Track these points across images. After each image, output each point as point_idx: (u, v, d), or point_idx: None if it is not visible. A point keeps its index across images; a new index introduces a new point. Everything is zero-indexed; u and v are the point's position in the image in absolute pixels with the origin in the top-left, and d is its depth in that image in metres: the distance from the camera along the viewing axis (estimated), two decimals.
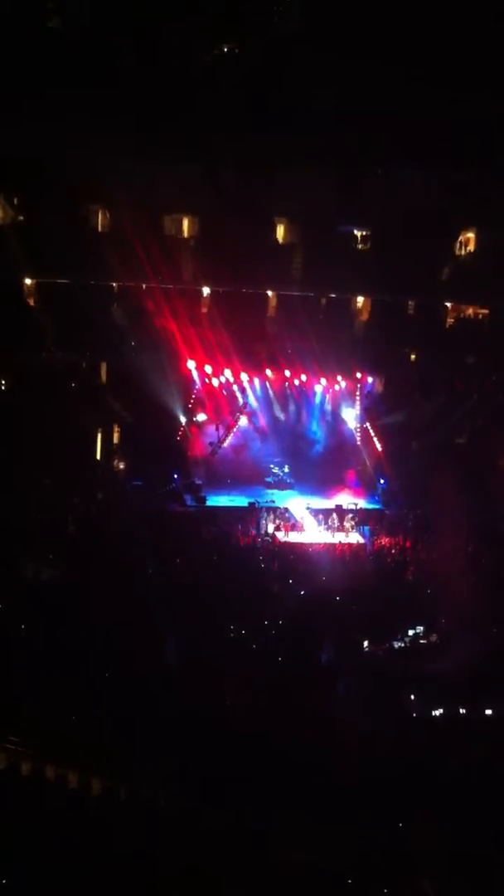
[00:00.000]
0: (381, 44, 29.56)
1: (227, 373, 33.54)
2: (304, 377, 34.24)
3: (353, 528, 30.53)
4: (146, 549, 24.26)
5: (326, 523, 30.70)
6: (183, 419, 33.61)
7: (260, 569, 25.65)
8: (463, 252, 34.94)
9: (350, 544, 29.27)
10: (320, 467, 34.51)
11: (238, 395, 34.30)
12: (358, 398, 34.76)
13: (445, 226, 33.64)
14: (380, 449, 34.38)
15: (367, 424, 34.75)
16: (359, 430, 34.98)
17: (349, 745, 14.17)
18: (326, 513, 31.08)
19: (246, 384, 34.12)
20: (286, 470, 34.18)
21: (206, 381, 33.73)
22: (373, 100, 29.75)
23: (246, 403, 34.38)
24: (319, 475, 34.02)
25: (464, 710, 16.79)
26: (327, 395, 35.08)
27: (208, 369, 33.29)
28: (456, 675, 17.43)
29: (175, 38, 30.32)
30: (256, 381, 34.37)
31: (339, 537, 29.83)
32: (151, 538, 25.72)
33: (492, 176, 30.59)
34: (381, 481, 33.78)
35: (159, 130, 29.44)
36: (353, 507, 31.65)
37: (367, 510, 32.05)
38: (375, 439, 34.47)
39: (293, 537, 29.60)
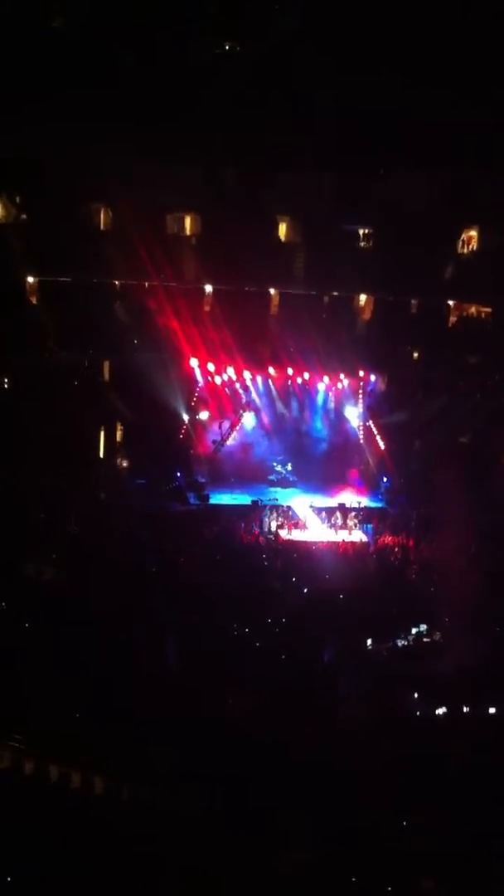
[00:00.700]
0: (383, 44, 29.55)
1: (230, 371, 33.51)
2: (306, 375, 34.18)
3: (355, 527, 30.50)
4: (149, 548, 24.29)
5: (329, 521, 30.68)
6: (186, 417, 33.59)
7: (263, 567, 25.65)
8: (465, 251, 34.90)
9: (353, 543, 29.25)
10: (323, 465, 34.47)
11: (241, 393, 34.28)
12: (361, 396, 34.72)
13: (448, 224, 33.62)
14: (383, 447, 34.34)
15: (370, 423, 34.69)
16: (361, 428, 34.93)
17: (351, 744, 14.17)
18: (329, 511, 31.04)
19: (249, 382, 34.09)
20: (289, 468, 34.16)
21: (209, 379, 33.71)
22: (374, 99, 29.74)
23: (249, 402, 34.35)
24: (322, 473, 33.98)
25: (466, 709, 16.78)
26: (330, 394, 35.03)
27: (211, 367, 33.27)
28: (459, 673, 17.43)
29: (176, 38, 30.29)
30: (259, 379, 34.34)
31: (342, 535, 29.81)
32: (154, 537, 25.76)
33: (494, 175, 30.53)
34: (384, 479, 33.74)
35: (161, 130, 29.45)
36: (355, 505, 31.61)
37: (369, 508, 32.00)
38: (378, 437, 34.42)
39: (296, 535, 29.59)
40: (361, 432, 34.91)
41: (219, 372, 33.50)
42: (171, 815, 12.05)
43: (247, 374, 33.80)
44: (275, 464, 34.28)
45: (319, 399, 35.19)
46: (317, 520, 30.61)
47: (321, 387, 34.78)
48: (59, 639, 17.60)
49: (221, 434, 34.25)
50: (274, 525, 30.15)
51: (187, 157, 30.30)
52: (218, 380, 33.81)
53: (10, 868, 10.50)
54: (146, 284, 32.55)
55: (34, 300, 32.64)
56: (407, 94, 29.70)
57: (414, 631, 20.59)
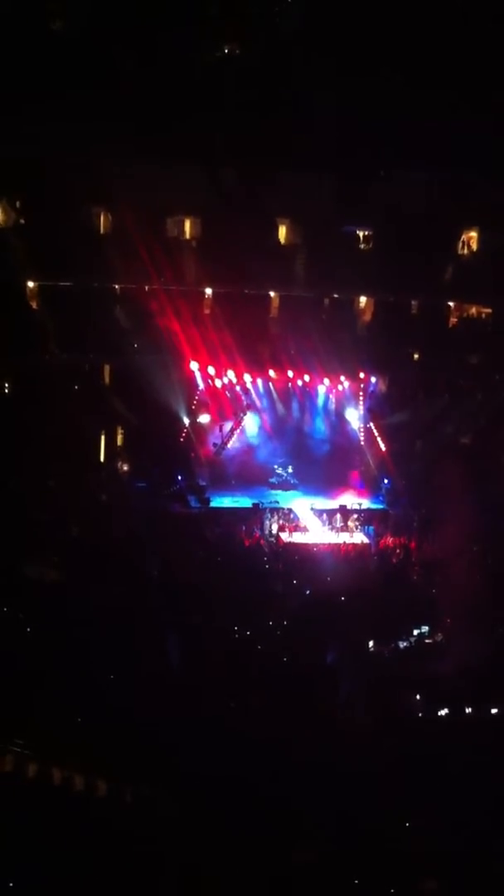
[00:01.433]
0: (383, 45, 29.57)
1: (231, 374, 33.52)
2: (307, 377, 34.20)
3: (357, 529, 30.53)
4: (150, 551, 24.29)
5: (330, 524, 30.69)
6: (186, 420, 33.59)
7: (264, 569, 25.66)
8: (465, 251, 34.91)
9: (354, 544, 29.28)
10: (324, 468, 34.45)
11: (241, 395, 34.29)
12: (361, 398, 34.74)
13: (448, 225, 33.62)
14: (384, 449, 34.34)
15: (371, 424, 34.70)
16: (362, 430, 34.95)
17: (353, 746, 14.17)
18: (331, 513, 31.05)
19: (249, 385, 34.10)
20: (290, 470, 34.15)
21: (210, 382, 33.72)
22: (374, 100, 29.75)
23: (249, 404, 34.35)
24: (323, 475, 33.97)
25: (469, 710, 16.77)
26: (331, 396, 35.05)
27: (211, 370, 33.27)
28: (461, 674, 17.42)
29: (176, 39, 30.31)
30: (260, 381, 34.35)
31: (344, 537, 29.82)
32: (155, 539, 25.76)
33: (494, 175, 30.53)
34: (385, 481, 33.75)
35: (161, 132, 29.45)
36: (357, 507, 31.62)
37: (371, 510, 32.02)
38: (379, 439, 34.42)
39: (297, 538, 29.61)
40: (362, 434, 34.92)
41: (219, 375, 33.50)
42: (173, 816, 12.05)
43: (247, 377, 33.81)
44: (276, 466, 34.27)
45: (320, 401, 35.20)
46: (318, 522, 30.62)
47: (322, 389, 34.79)
48: (61, 641, 17.60)
49: (222, 437, 34.25)
50: (275, 528, 30.18)
51: (187, 160, 30.32)
52: (218, 382, 33.81)
53: (13, 871, 10.49)
54: (146, 287, 32.56)
55: (35, 304, 32.65)
56: (407, 96, 29.71)
57: (416, 632, 20.60)
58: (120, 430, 34.15)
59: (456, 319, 35.68)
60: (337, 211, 32.63)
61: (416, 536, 29.20)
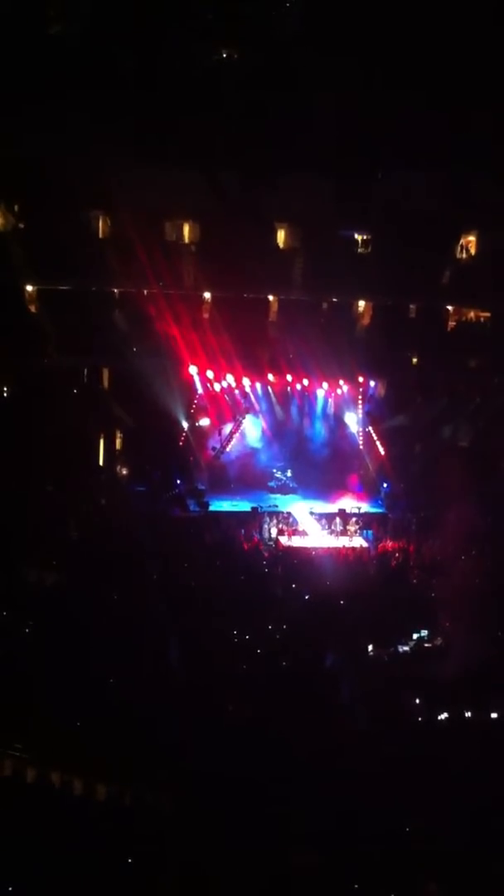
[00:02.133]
0: (382, 47, 29.61)
1: (230, 377, 33.52)
2: (305, 381, 34.21)
3: (356, 532, 30.51)
4: (149, 555, 24.27)
5: (330, 527, 30.68)
6: (185, 424, 33.58)
7: (263, 573, 25.63)
8: (464, 255, 34.95)
9: (353, 548, 29.25)
10: (323, 471, 34.44)
11: (240, 399, 34.28)
12: (360, 402, 34.74)
13: (446, 229, 33.66)
14: (382, 453, 34.35)
15: (370, 428, 34.71)
16: (361, 433, 34.95)
17: (353, 749, 14.14)
18: (330, 517, 31.04)
19: (248, 389, 34.09)
20: (289, 474, 34.15)
21: (209, 385, 33.71)
22: (373, 103, 29.80)
23: (248, 408, 34.35)
24: (322, 479, 33.97)
25: (469, 714, 16.74)
26: (329, 400, 35.05)
27: (210, 374, 33.27)
28: (461, 678, 17.40)
29: (175, 42, 30.37)
30: (258, 385, 34.34)
31: (343, 541, 29.81)
32: (154, 543, 25.74)
33: (493, 179, 30.58)
34: (385, 485, 33.75)
35: (160, 135, 29.50)
36: (356, 511, 31.60)
37: (370, 514, 32.00)
38: (378, 443, 34.44)
39: (296, 542, 29.59)
40: (361, 438, 34.91)
41: (218, 378, 33.50)
42: (173, 818, 12.03)
43: (246, 381, 33.81)
44: (275, 470, 34.28)
45: (319, 405, 35.20)
46: (317, 526, 30.60)
47: (320, 393, 34.79)
48: (60, 645, 17.57)
49: (221, 441, 34.25)
50: (274, 531, 30.16)
51: (187, 163, 30.35)
52: (217, 386, 33.80)
53: (13, 876, 10.46)
54: (145, 291, 32.56)
55: (34, 308, 32.66)
56: (407, 99, 29.76)
57: (415, 636, 20.56)
58: (119, 434, 34.15)
59: (454, 323, 35.72)
60: (336, 214, 32.65)
61: (415, 540, 29.17)
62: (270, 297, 34.40)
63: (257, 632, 20.26)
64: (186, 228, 33.81)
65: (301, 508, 31.55)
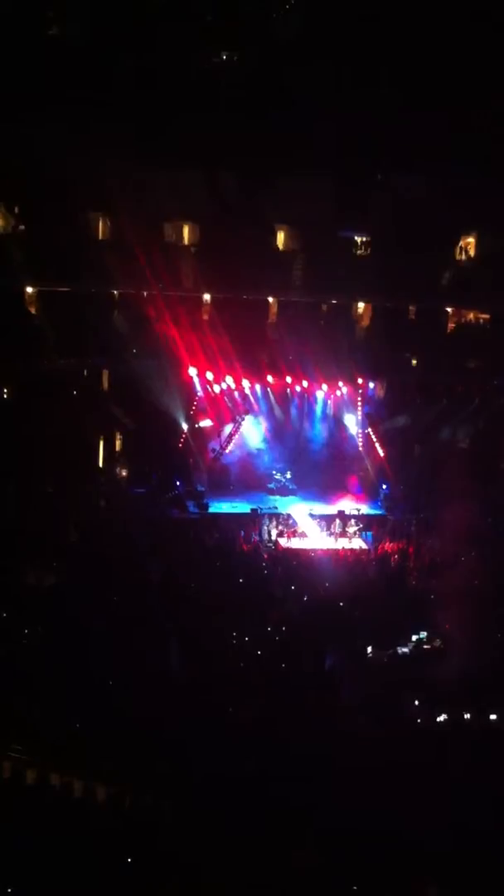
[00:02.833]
0: (381, 49, 29.66)
1: (229, 379, 33.53)
2: (305, 383, 34.23)
3: (355, 534, 30.52)
4: (148, 556, 24.28)
5: (329, 529, 30.69)
6: (185, 426, 33.59)
7: (263, 575, 25.64)
8: (463, 257, 34.99)
9: (353, 550, 29.28)
10: (322, 473, 34.47)
11: (240, 401, 34.30)
12: (359, 404, 34.75)
13: (446, 231, 33.70)
14: (382, 454, 34.37)
15: (369, 430, 34.73)
16: (361, 435, 34.96)
17: (352, 751, 14.15)
18: (329, 518, 31.06)
19: (247, 390, 34.11)
20: (288, 476, 34.16)
21: (208, 387, 33.73)
22: (373, 105, 29.84)
23: (248, 410, 34.36)
24: (322, 481, 34.00)
25: (468, 716, 16.76)
26: (329, 401, 35.07)
27: (210, 376, 33.28)
28: (460, 680, 17.41)
29: (175, 44, 30.40)
30: (258, 387, 34.36)
31: (342, 543, 29.83)
32: (154, 545, 25.76)
33: (492, 181, 30.61)
34: (384, 486, 33.77)
35: (159, 137, 29.53)
36: (355, 512, 31.62)
37: (369, 516, 32.01)
38: (377, 445, 34.45)
39: (296, 543, 29.61)
40: (360, 439, 34.92)
41: (217, 380, 33.51)
42: (172, 820, 12.04)
43: (246, 383, 33.83)
44: (274, 472, 34.29)
45: (318, 407, 35.21)
46: (316, 527, 30.61)
47: (320, 394, 34.81)
48: (59, 647, 17.59)
49: (220, 442, 34.26)
50: (274, 533, 30.17)
51: (186, 165, 30.39)
52: (217, 388, 33.82)
53: (12, 878, 10.47)
54: (145, 293, 32.59)
55: (34, 309, 32.69)
56: (406, 101, 29.81)
57: (415, 638, 20.57)
58: (118, 436, 34.16)
59: (454, 325, 35.75)
60: (335, 216, 32.69)
61: (414, 541, 29.19)
62: (270, 299, 34.45)
63: (257, 633, 20.27)
64: (186, 230, 33.85)
65: (300, 510, 31.57)
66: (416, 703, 17.01)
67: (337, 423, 35.37)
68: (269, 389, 34.65)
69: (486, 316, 35.37)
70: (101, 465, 33.67)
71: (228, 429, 34.31)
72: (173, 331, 32.35)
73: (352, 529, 30.62)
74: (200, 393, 33.69)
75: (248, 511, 31.49)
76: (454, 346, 35.11)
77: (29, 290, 32.49)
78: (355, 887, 11.01)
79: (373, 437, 34.62)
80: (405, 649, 20.24)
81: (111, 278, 32.01)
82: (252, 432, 34.80)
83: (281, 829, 11.48)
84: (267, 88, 30.52)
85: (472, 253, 34.95)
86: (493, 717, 16.71)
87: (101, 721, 14.58)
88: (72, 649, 17.14)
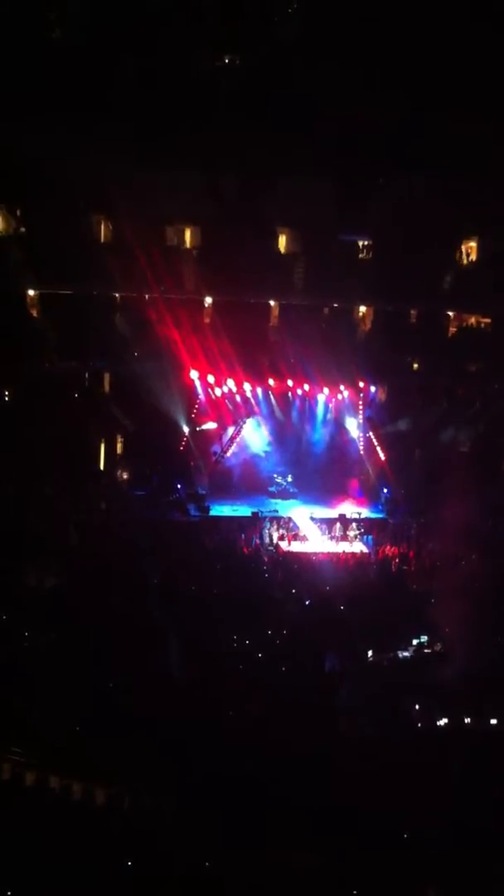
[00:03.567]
0: (382, 51, 29.69)
1: (230, 382, 33.51)
2: (306, 386, 34.20)
3: (356, 538, 30.48)
4: (149, 559, 24.27)
5: (330, 532, 30.65)
6: (186, 429, 33.57)
7: (263, 578, 25.62)
8: (465, 261, 34.99)
9: (354, 553, 29.24)
10: (323, 476, 34.42)
11: (241, 404, 34.28)
12: (361, 407, 34.71)
13: (447, 235, 33.71)
14: (383, 458, 34.31)
15: (370, 433, 34.66)
16: (362, 438, 34.91)
17: (353, 754, 14.14)
18: (330, 522, 31.01)
19: (249, 394, 34.09)
20: (289, 479, 34.11)
21: (209, 390, 33.71)
22: (374, 108, 29.86)
23: (249, 413, 34.34)
24: (323, 484, 33.95)
25: (468, 720, 16.74)
26: (330, 405, 35.02)
27: (211, 379, 33.27)
28: (460, 684, 17.40)
29: (175, 47, 30.44)
30: (259, 390, 34.34)
31: (343, 546, 29.79)
32: (155, 548, 25.74)
33: (494, 184, 30.63)
34: (385, 490, 33.71)
35: (161, 141, 29.57)
36: (356, 516, 31.58)
37: (370, 519, 31.96)
38: (378, 448, 34.40)
39: (297, 547, 29.57)
40: (361, 443, 34.88)
41: (219, 383, 33.49)
42: (173, 822, 12.03)
43: (247, 386, 33.81)
44: (275, 475, 34.24)
45: (319, 410, 35.18)
46: (317, 531, 30.58)
47: (321, 398, 34.77)
48: (60, 649, 17.58)
49: (222, 446, 34.22)
50: (274, 536, 30.13)
51: (188, 169, 30.42)
52: (218, 391, 33.80)
53: (12, 879, 10.46)
54: (146, 296, 32.60)
55: (35, 312, 32.71)
56: (407, 103, 29.82)
57: (415, 641, 20.56)
58: (120, 439, 34.16)
59: (455, 328, 35.74)
60: (336, 220, 32.70)
61: (415, 545, 29.16)
62: (271, 302, 34.46)
63: (257, 636, 20.26)
64: (188, 233, 33.86)
65: (301, 513, 31.52)
66: (417, 706, 17.00)
67: (338, 427, 35.31)
68: (270, 393, 34.61)
69: (487, 319, 35.35)
70: (101, 467, 33.66)
71: (230, 432, 34.27)
72: (174, 334, 32.34)
73: (353, 533, 30.58)
74: (202, 396, 33.67)
75: (249, 514, 31.45)
76: (455, 350, 35.10)
77: (31, 292, 32.50)
78: (355, 891, 11.00)
79: (374, 440, 34.58)
80: (406, 653, 20.22)
81: (113, 281, 32.04)
82: (254, 436, 34.77)
83: (281, 829, 11.48)
84: (269, 92, 30.54)
85: (473, 256, 34.97)
86: (493, 721, 16.70)
87: (100, 722, 14.57)
88: (72, 650, 17.13)
